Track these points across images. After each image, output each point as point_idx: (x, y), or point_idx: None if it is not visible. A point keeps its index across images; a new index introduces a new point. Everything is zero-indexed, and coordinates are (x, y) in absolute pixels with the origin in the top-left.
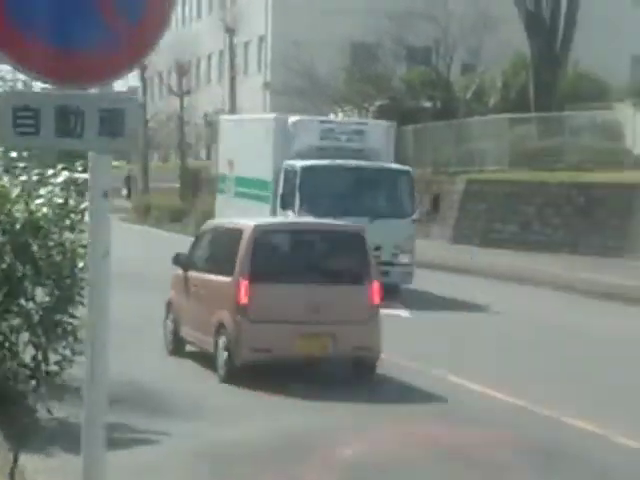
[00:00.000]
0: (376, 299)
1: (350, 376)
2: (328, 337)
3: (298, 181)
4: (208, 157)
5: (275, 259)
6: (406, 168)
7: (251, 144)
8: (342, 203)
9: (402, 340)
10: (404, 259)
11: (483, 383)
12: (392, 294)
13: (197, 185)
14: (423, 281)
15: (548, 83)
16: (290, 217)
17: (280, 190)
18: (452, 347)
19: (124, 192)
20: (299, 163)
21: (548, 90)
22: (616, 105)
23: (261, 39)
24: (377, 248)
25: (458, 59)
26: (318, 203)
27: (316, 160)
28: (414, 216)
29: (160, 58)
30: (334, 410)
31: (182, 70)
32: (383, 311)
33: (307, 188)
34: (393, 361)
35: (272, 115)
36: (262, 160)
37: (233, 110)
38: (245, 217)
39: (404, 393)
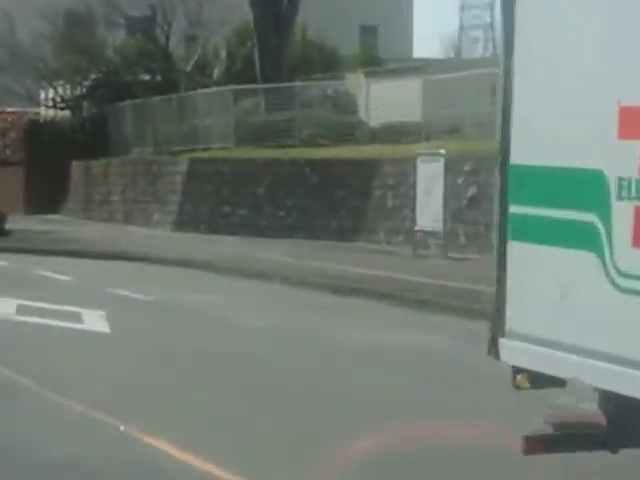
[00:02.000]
0: None
1: None
2: None
3: None
4: None
5: None
6: None
7: None
8: None
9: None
10: None
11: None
12: None
13: None
14: (135, 276)
15: (275, 52)
16: None
17: None
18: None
19: None
20: None
21: (275, 59)
22: (348, 75)
23: None
24: None
25: (179, 28)
26: None
27: None
28: None
29: None
30: None
31: None
32: None
33: None
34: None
35: None
36: None
37: None
38: None
39: None
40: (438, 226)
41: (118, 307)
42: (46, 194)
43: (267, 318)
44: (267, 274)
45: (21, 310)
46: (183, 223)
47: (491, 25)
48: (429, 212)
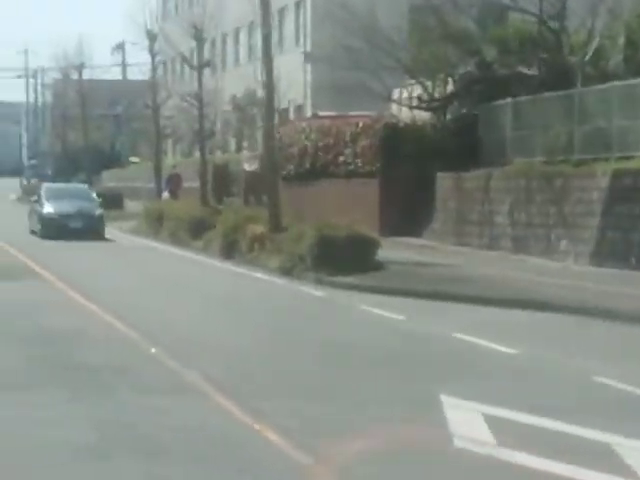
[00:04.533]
0: None
1: None
2: None
3: None
4: (238, 149)
5: None
6: None
7: None
8: None
9: None
10: None
11: None
12: None
13: (225, 185)
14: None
15: None
16: None
17: None
18: None
19: (165, 194)
20: None
21: None
22: None
23: (298, 4)
24: None
25: (571, 10)
26: None
27: None
28: None
29: (177, 32)
30: None
31: (200, 36)
32: None
33: None
34: None
35: None
36: None
37: (270, 90)
38: None
39: None
40: None
41: None
42: (405, 212)
43: None
44: None
45: (499, 430)
46: (604, 255)
47: None
48: None
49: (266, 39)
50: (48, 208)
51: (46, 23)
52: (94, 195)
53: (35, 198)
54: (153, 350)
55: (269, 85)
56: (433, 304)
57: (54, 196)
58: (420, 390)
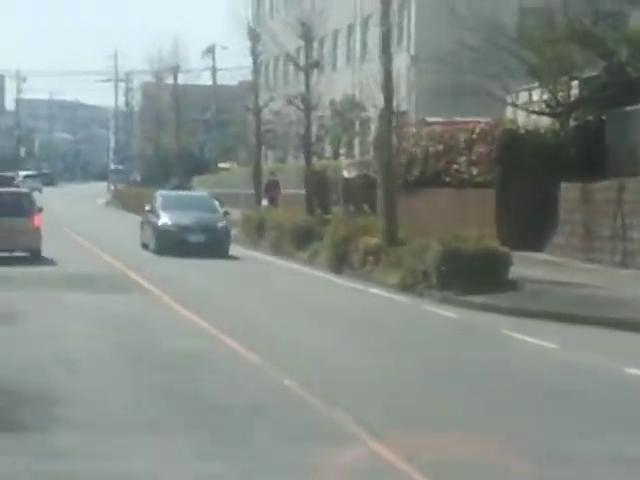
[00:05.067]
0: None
1: None
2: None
3: None
4: (335, 156)
5: None
6: None
7: None
8: None
9: None
10: None
11: None
12: None
13: (324, 192)
14: None
15: None
16: None
17: None
18: None
19: (264, 202)
20: None
21: None
22: None
23: (401, 5)
24: None
25: None
26: None
27: None
28: None
29: (280, 30)
30: None
31: (309, 34)
32: None
33: None
34: None
35: None
36: None
37: (389, 91)
38: None
39: None
40: None
41: None
42: (524, 225)
43: None
44: None
45: None
46: None
47: None
48: None
49: (385, 36)
50: (164, 219)
51: (137, 24)
52: (217, 204)
53: (149, 207)
54: (286, 382)
55: (387, 86)
56: (585, 330)
57: (171, 205)
58: (616, 447)
